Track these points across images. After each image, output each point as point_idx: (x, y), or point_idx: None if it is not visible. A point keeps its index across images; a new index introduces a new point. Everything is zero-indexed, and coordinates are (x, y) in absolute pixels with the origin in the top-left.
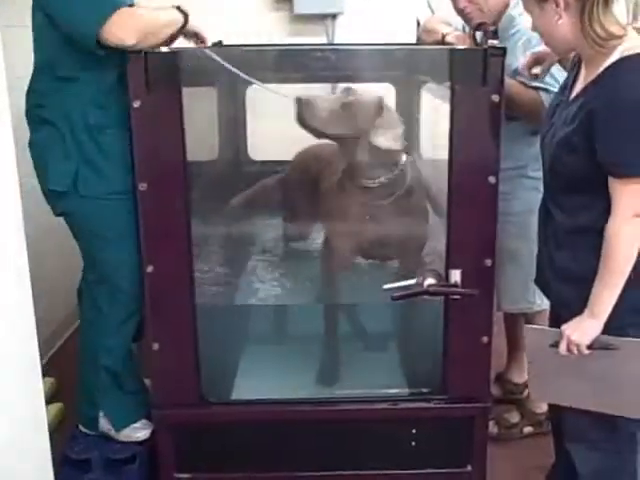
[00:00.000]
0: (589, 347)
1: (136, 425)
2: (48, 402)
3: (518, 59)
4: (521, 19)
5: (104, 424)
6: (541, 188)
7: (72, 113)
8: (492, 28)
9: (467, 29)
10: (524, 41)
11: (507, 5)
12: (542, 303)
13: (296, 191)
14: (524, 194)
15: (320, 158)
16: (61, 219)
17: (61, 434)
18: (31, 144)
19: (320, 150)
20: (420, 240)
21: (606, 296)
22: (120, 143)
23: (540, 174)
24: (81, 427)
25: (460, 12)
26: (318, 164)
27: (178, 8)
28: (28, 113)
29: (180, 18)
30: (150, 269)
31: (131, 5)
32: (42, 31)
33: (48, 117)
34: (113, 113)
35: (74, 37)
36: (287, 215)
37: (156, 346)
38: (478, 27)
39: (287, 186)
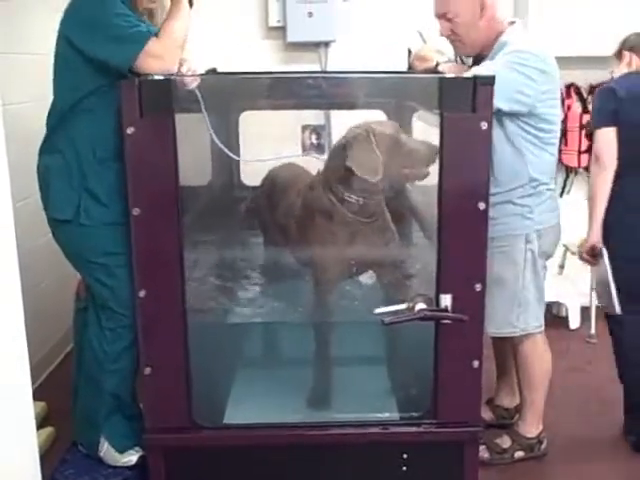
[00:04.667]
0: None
1: (134, 449)
2: (39, 426)
3: None
4: (514, 42)
5: (104, 448)
6: (527, 215)
7: (81, 145)
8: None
9: (460, 58)
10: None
11: (498, 34)
12: (527, 327)
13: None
14: (509, 220)
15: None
16: (53, 243)
17: (51, 458)
18: (39, 168)
19: (292, 169)
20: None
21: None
22: (121, 176)
23: (525, 201)
24: (82, 449)
25: (446, 38)
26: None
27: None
28: (45, 137)
29: (188, 9)
30: (142, 293)
31: (156, 34)
32: (67, 61)
33: (58, 145)
34: (117, 147)
35: (107, 67)
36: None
37: (148, 370)
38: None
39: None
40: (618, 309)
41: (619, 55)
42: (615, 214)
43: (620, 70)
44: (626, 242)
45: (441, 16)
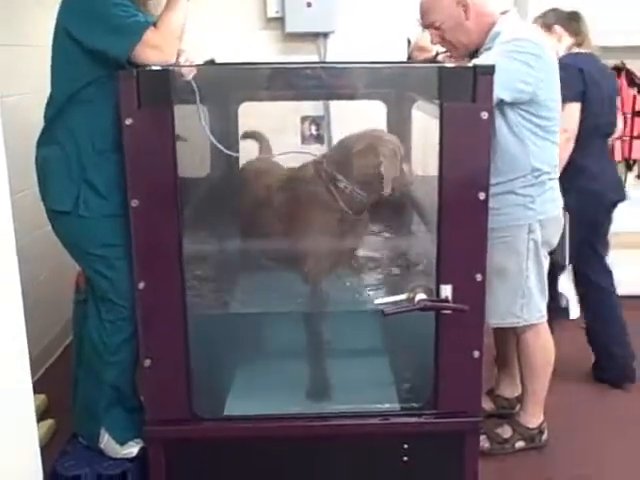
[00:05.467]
0: None
1: (135, 441)
2: (40, 418)
3: None
4: (506, 31)
5: (105, 440)
6: (529, 205)
7: (80, 136)
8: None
9: None
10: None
11: (489, 27)
12: (530, 317)
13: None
14: (511, 210)
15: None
16: (52, 235)
17: (52, 450)
18: (37, 160)
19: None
20: None
21: None
22: (120, 167)
23: (527, 191)
24: (82, 440)
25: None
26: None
27: None
28: (43, 129)
29: (185, 3)
30: (142, 285)
31: (154, 23)
32: (65, 52)
33: (57, 136)
34: (116, 139)
35: (105, 58)
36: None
37: (148, 362)
38: None
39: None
40: (567, 261)
41: (547, 30)
42: (574, 180)
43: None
44: (584, 208)
45: (428, 26)
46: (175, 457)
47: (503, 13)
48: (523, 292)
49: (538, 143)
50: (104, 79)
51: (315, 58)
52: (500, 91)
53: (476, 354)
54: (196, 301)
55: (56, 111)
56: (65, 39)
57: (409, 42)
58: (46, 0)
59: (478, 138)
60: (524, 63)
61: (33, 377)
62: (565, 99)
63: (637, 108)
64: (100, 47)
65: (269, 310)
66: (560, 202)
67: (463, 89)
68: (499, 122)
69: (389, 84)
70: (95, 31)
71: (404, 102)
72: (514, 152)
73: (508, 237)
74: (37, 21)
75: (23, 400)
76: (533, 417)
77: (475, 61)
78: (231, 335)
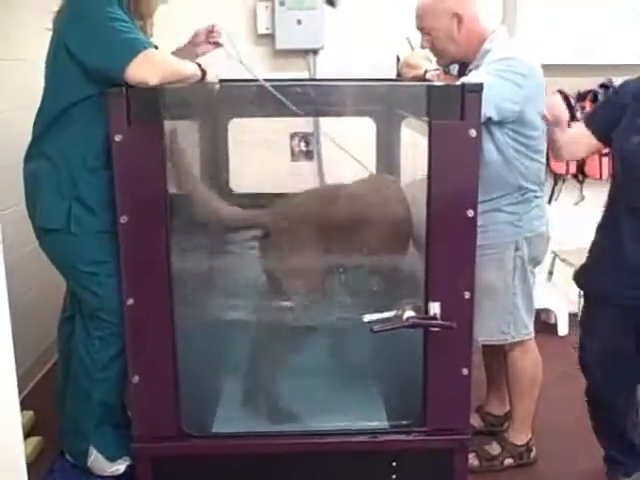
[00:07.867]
0: None
1: (123, 459)
2: (27, 435)
3: None
4: (496, 49)
5: (92, 458)
6: (516, 222)
7: (71, 152)
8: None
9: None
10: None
11: (480, 42)
12: (517, 334)
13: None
14: (498, 227)
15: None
16: (41, 251)
17: (39, 467)
18: (25, 175)
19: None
20: None
21: None
22: (112, 184)
23: (514, 209)
24: (70, 458)
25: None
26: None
27: (199, 65)
28: (31, 143)
29: (199, 75)
30: (130, 302)
31: (156, 47)
32: (64, 66)
33: (46, 151)
34: (109, 156)
35: (101, 74)
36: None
37: (136, 379)
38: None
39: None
40: None
41: None
42: None
43: None
44: None
45: (421, 29)
46: (163, 474)
47: (494, 31)
48: (510, 309)
49: (524, 162)
50: (98, 97)
51: (305, 75)
52: (488, 109)
53: (465, 372)
54: (185, 318)
55: (47, 125)
56: (63, 54)
57: (398, 59)
58: (33, 15)
59: (466, 155)
60: (513, 82)
61: (21, 393)
62: None
63: None
64: (96, 61)
65: (258, 326)
66: (546, 219)
67: (451, 107)
68: (486, 141)
69: (378, 101)
70: (93, 45)
71: (393, 119)
72: (501, 171)
73: (495, 254)
74: (23, 36)
75: (10, 417)
76: (521, 434)
77: (463, 79)
78: (221, 351)
